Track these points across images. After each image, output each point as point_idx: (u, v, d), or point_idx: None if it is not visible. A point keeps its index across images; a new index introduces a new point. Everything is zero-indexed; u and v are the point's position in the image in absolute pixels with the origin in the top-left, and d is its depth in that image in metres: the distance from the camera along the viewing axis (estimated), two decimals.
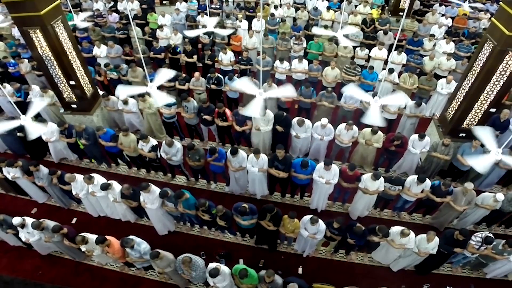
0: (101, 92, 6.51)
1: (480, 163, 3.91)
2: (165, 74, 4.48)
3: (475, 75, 5.07)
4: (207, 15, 7.21)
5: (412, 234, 4.32)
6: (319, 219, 4.33)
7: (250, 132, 6.09)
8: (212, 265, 4.04)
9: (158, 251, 4.11)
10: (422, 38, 8.19)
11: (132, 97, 6.15)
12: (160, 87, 4.69)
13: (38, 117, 5.62)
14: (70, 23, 5.96)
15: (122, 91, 4.56)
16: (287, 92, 4.34)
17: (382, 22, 8.68)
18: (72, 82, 5.79)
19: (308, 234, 4.46)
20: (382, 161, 6.09)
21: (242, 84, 4.38)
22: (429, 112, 6.83)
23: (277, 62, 7.23)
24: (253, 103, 4.08)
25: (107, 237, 4.26)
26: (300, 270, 4.98)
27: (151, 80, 4.45)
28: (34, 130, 4.36)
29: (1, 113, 7.49)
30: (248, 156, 5.15)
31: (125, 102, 6.10)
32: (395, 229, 4.41)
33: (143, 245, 4.29)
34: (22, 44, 7.97)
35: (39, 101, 4.73)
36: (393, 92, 6.37)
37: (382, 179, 4.79)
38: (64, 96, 6.05)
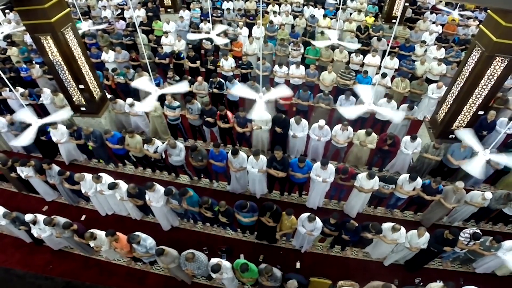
0: (108, 96, 6.71)
1: (473, 167, 4.00)
2: (180, 87, 4.65)
3: (464, 79, 5.23)
4: (209, 22, 7.51)
5: (402, 229, 4.49)
6: (316, 217, 4.50)
7: (251, 134, 6.34)
8: (214, 260, 4.20)
9: (163, 248, 4.26)
10: (413, 44, 8.42)
11: (138, 100, 6.40)
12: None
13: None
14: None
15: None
16: (283, 92, 4.53)
17: (375, 29, 8.96)
18: (81, 86, 5.99)
19: (305, 231, 4.64)
20: (376, 160, 6.29)
21: (242, 90, 4.51)
22: (421, 114, 7.00)
23: (276, 67, 7.48)
24: (256, 107, 4.30)
25: (116, 233, 4.43)
26: (298, 265, 5.14)
27: (157, 85, 4.68)
28: (32, 135, 4.32)
29: None
30: (248, 157, 5.34)
31: (132, 105, 6.32)
32: (387, 225, 4.59)
33: (149, 241, 4.46)
34: (34, 49, 8.18)
35: (64, 112, 4.84)
36: (385, 95, 6.61)
37: (377, 178, 4.98)
38: (74, 99, 6.26)
